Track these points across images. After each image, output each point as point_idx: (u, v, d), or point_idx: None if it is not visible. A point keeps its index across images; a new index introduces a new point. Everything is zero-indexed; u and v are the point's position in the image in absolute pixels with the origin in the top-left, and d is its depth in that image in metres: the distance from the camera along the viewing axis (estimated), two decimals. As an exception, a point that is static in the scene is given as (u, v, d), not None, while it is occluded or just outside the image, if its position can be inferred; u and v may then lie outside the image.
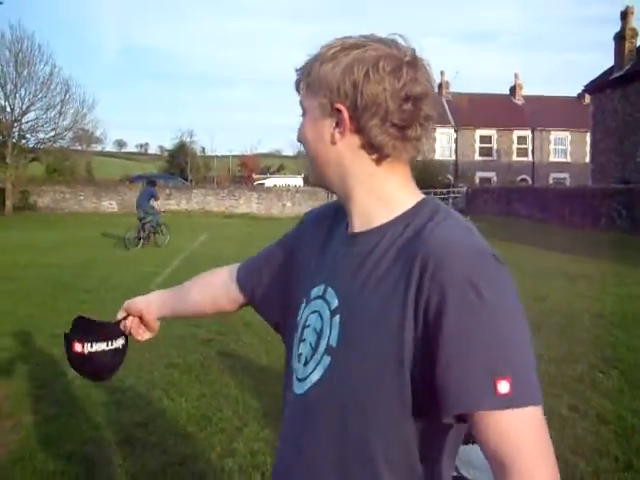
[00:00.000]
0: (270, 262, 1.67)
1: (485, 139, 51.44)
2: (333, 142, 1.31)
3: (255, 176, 62.78)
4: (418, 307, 1.17)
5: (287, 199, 38.67)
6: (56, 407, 5.60)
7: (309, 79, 1.34)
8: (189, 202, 38.46)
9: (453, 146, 51.25)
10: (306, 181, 53.97)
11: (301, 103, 1.39)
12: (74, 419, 5.32)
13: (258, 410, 5.55)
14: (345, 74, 1.26)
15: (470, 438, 1.24)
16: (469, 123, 50.66)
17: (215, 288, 1.83)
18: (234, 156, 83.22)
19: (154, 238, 21.02)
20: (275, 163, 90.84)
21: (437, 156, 49.73)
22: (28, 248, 19.12)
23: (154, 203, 21.20)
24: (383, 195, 1.33)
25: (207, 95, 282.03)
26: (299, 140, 1.41)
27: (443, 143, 51.25)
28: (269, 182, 49.91)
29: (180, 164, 70.12)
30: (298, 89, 1.39)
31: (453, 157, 51.08)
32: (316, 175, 1.40)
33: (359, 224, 1.35)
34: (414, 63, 1.28)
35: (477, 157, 51.28)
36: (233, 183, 51.72)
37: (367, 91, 1.24)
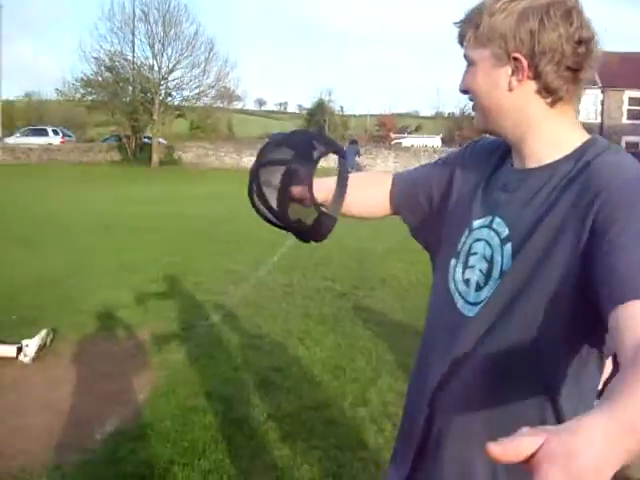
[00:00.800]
0: (427, 180, 1.72)
1: (634, 101, 48.53)
2: (510, 89, 1.37)
3: (393, 135, 62.42)
4: (589, 231, 1.23)
5: (425, 159, 38.06)
6: (198, 348, 5.89)
7: (478, 31, 1.38)
8: (326, 160, 38.48)
9: (599, 108, 48.71)
10: (444, 141, 53.16)
11: (466, 55, 1.43)
12: (214, 360, 5.58)
13: (391, 363, 5.61)
14: (520, 23, 1.31)
15: None
16: (617, 84, 47.85)
17: (367, 190, 1.84)
18: (372, 115, 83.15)
19: None
20: (412, 123, 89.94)
21: (581, 118, 46.91)
22: (173, 200, 19.95)
23: (358, 159, 23.89)
24: (555, 135, 1.40)
25: (346, 54, 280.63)
26: (463, 90, 1.46)
27: (588, 105, 48.83)
28: (406, 142, 49.46)
29: (318, 122, 70.84)
30: (462, 42, 1.44)
31: (598, 120, 48.61)
32: (487, 122, 1.45)
33: (530, 162, 1.42)
34: (579, 8, 1.33)
35: (625, 120, 48.49)
36: (370, 142, 51.60)
37: (543, 38, 1.30)
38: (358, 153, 24.49)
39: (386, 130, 70.05)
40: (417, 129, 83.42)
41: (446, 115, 69.56)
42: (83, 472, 3.78)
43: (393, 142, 51.62)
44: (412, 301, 7.59)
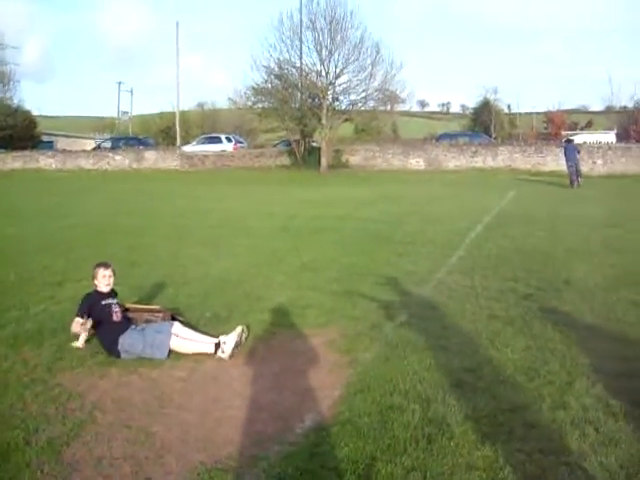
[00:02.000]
0: None
1: None
2: None
3: (563, 132, 60.13)
4: None
5: (597, 156, 36.45)
6: (387, 348, 5.92)
7: None
8: (495, 159, 38.01)
9: None
10: (619, 137, 50.52)
11: None
12: (406, 360, 5.58)
13: (587, 366, 5.40)
14: None
15: None
16: None
17: None
18: (538, 113, 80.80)
19: (578, 182, 26.73)
20: (582, 119, 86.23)
21: None
22: (344, 202, 20.27)
23: (578, 155, 27.01)
24: None
25: (510, 51, 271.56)
26: None
27: None
28: (578, 139, 47.47)
29: (484, 122, 69.69)
30: None
31: None
32: None
33: None
34: None
35: None
36: (539, 140, 50.02)
37: None
38: (578, 150, 27.19)
39: (555, 127, 67.81)
40: (588, 125, 79.95)
41: (618, 109, 66.54)
42: (288, 464, 3.89)
43: (564, 140, 49.68)
44: (600, 304, 7.27)
